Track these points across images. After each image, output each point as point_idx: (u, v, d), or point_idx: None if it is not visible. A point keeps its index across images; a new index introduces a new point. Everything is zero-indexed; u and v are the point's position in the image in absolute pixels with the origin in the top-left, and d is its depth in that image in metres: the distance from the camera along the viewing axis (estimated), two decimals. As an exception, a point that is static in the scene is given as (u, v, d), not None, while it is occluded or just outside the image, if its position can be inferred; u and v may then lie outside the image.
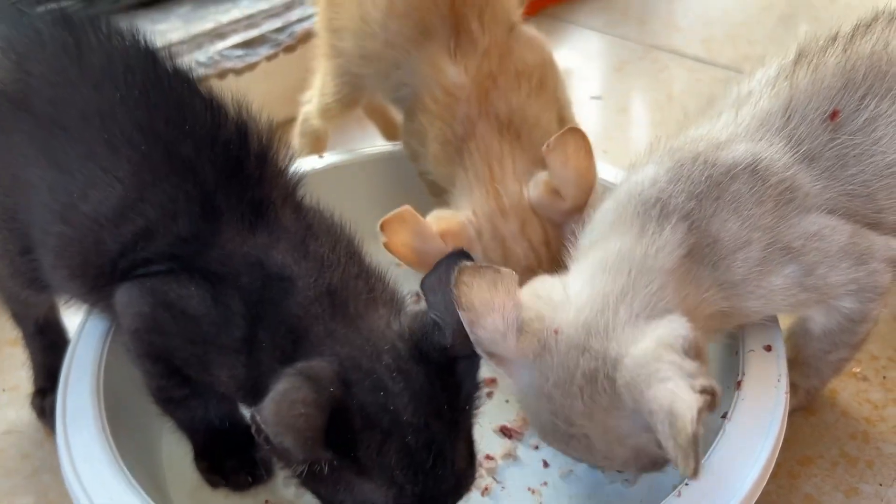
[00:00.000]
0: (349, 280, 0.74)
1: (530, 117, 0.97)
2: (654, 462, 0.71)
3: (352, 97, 1.17)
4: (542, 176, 0.89)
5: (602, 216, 0.80)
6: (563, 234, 0.88)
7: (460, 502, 0.71)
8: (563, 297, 0.73)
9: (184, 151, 0.74)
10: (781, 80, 0.82)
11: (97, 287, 0.79)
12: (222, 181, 0.75)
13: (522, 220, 0.89)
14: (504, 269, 0.72)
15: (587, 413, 0.68)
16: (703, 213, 0.75)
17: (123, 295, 0.76)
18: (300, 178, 0.80)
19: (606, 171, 1.04)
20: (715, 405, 0.61)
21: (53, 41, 0.77)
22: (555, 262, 0.85)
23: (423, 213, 0.89)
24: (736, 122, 0.81)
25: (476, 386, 0.71)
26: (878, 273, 0.79)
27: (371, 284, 0.76)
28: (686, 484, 0.70)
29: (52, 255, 0.78)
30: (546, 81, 1.01)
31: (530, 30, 1.05)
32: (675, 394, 0.60)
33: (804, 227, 0.76)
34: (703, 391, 0.60)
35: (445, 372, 0.69)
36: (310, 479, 0.68)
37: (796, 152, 0.78)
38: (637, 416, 0.64)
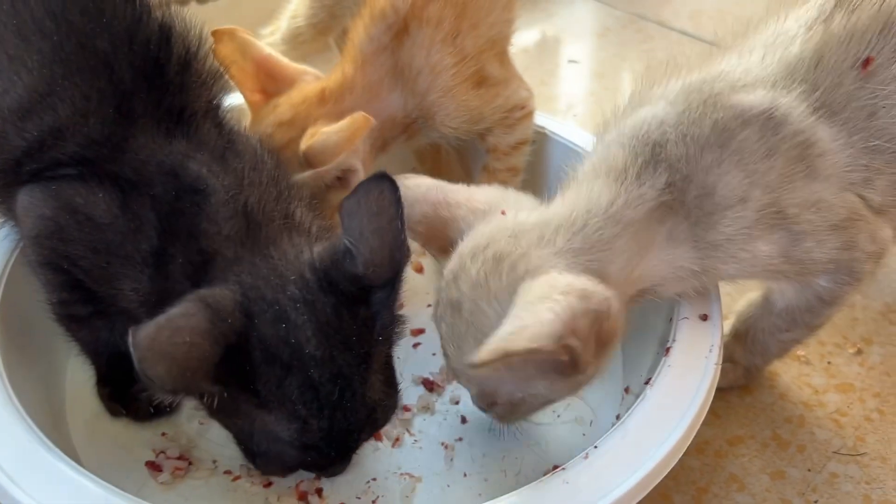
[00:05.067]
0: (267, 203, 0.71)
1: (431, 93, 0.89)
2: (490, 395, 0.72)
3: (325, 24, 1.13)
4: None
5: (602, 146, 0.75)
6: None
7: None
8: (527, 203, 0.76)
9: (99, 46, 0.70)
10: (818, 24, 0.75)
11: None
12: (139, 82, 0.71)
13: (292, 120, 0.85)
14: None
15: (475, 284, 0.68)
16: (702, 163, 0.70)
17: (25, 197, 0.72)
18: (224, 94, 0.77)
19: (575, 134, 1.02)
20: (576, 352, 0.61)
21: None
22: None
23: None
24: (762, 64, 0.75)
25: (394, 318, 0.68)
26: (859, 261, 0.75)
27: (289, 211, 0.72)
28: (595, 447, 0.67)
29: None
30: (493, 91, 0.92)
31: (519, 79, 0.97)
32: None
33: (805, 194, 0.71)
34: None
35: (358, 302, 0.66)
36: (212, 410, 0.65)
37: (819, 102, 0.72)
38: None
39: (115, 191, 0.69)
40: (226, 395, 0.60)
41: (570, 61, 1.54)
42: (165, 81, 0.72)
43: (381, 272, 0.65)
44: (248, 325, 0.63)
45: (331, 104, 0.86)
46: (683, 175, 0.71)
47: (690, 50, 1.54)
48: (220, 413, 0.66)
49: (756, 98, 0.72)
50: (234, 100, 0.87)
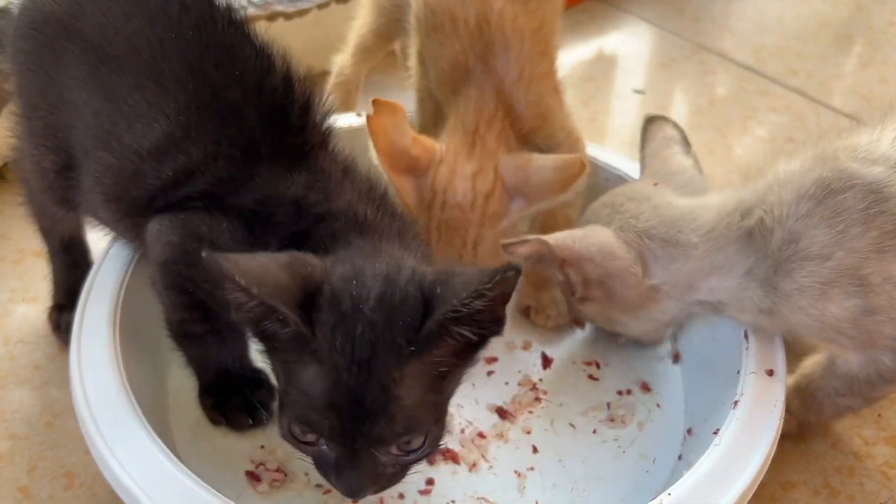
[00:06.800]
0: (381, 217, 0.76)
1: (533, 93, 0.95)
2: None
3: (387, 29, 1.18)
4: (527, 161, 0.90)
5: (773, 175, 0.81)
6: (508, 204, 0.90)
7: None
8: (693, 187, 0.89)
9: (231, 96, 0.76)
10: None
11: (130, 216, 0.81)
12: (266, 129, 0.76)
13: (480, 167, 0.89)
14: None
15: (588, 210, 0.93)
16: (794, 211, 0.76)
17: (155, 225, 0.78)
18: (333, 129, 0.82)
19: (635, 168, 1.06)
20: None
21: None
22: (489, 216, 0.89)
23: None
24: (893, 146, 0.77)
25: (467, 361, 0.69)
26: None
27: (401, 229, 0.76)
28: (669, 494, 0.72)
29: (90, 178, 0.80)
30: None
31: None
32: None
33: (892, 268, 0.74)
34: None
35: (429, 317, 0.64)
36: (273, 347, 0.68)
37: None
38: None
39: (238, 221, 0.75)
40: (301, 326, 0.62)
41: (636, 91, 1.58)
42: (288, 125, 0.77)
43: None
44: (328, 280, 0.65)
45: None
46: (776, 217, 0.76)
47: (753, 86, 1.60)
48: (283, 351, 0.66)
49: (871, 171, 0.75)
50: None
